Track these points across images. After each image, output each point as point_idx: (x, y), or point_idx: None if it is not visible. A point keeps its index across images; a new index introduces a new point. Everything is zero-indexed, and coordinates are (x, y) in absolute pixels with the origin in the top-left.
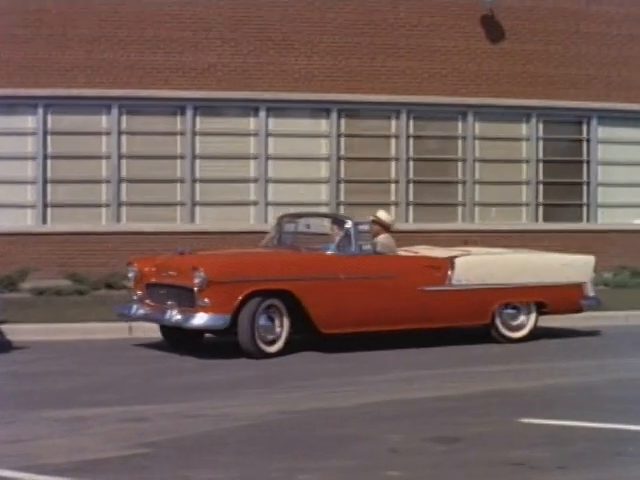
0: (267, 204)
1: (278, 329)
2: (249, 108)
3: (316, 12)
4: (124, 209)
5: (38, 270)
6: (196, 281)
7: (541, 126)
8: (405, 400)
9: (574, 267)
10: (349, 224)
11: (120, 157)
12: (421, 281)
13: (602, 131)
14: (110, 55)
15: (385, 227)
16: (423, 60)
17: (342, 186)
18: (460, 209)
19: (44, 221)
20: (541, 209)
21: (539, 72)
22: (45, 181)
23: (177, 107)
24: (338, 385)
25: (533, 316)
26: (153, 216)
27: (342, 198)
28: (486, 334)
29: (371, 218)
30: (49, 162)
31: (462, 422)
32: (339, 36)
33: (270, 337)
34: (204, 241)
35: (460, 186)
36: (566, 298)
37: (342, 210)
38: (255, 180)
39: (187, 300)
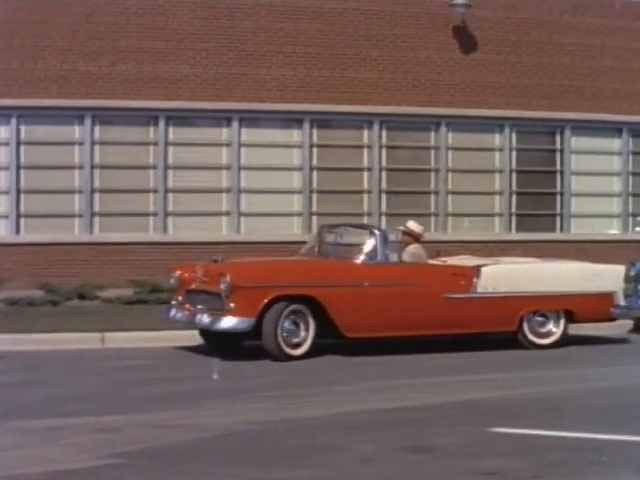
0: (240, 214)
1: (303, 333)
2: (222, 118)
3: (288, 23)
4: (97, 219)
5: (11, 280)
6: (222, 287)
7: (514, 136)
8: (378, 410)
9: (604, 276)
10: (376, 233)
11: (93, 167)
12: (446, 289)
13: (575, 141)
14: (83, 65)
15: (415, 237)
16: (396, 71)
17: (315, 196)
18: (433, 219)
19: (17, 231)
20: (514, 219)
21: (512, 82)
22: (18, 191)
23: (150, 117)
24: (308, 395)
25: (562, 324)
26: (126, 226)
27: (315, 208)
28: (514, 341)
29: (401, 228)
30: (22, 172)
31: (432, 432)
32: (312, 47)
33: (295, 341)
34: (176, 251)
35: (433, 196)
36: (596, 307)
37: (314, 220)
38: (228, 190)
39: (216, 304)
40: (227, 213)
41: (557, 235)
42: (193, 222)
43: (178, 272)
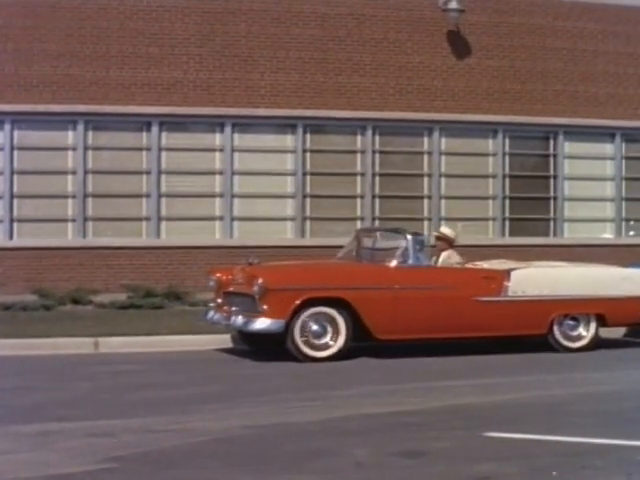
0: (232, 219)
1: (332, 335)
2: (215, 124)
3: (281, 28)
4: (90, 224)
5: (4, 285)
6: (255, 289)
7: (507, 141)
8: (373, 414)
9: (635, 280)
10: (408, 237)
11: (86, 172)
12: (476, 292)
13: (569, 146)
14: (76, 71)
15: (449, 242)
16: (389, 76)
17: (308, 201)
18: (426, 224)
19: (10, 236)
20: (508, 224)
21: (505, 88)
22: (12, 196)
23: (143, 123)
24: (304, 399)
25: (593, 327)
26: (119, 231)
27: (308, 213)
28: (545, 343)
29: (435, 234)
30: (15, 177)
31: (427, 437)
32: (305, 52)
33: (321, 343)
34: (169, 256)
35: (426, 201)
36: (626, 311)
37: (307, 225)
38: (221, 195)
39: (250, 306)
40: (220, 218)
41: (550, 240)
42: (186, 227)
43: (217, 274)
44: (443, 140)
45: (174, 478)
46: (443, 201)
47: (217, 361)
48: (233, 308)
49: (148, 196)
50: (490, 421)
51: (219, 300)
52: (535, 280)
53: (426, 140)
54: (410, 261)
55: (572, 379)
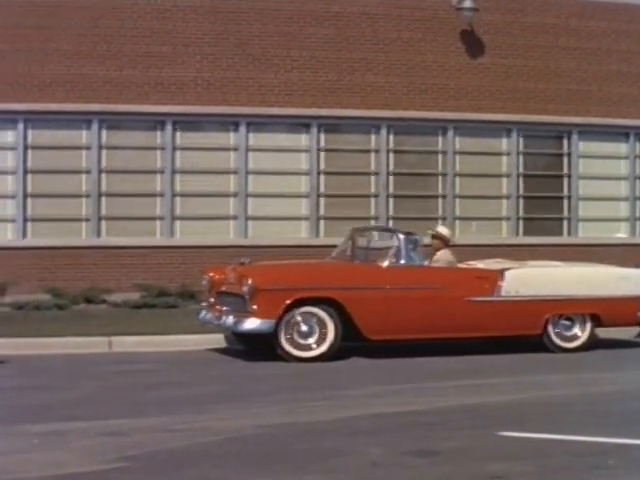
0: (247, 218)
1: (322, 335)
2: (229, 123)
3: (295, 27)
4: (104, 223)
5: (17, 284)
6: (244, 289)
7: (521, 141)
8: (384, 414)
9: (631, 280)
10: (400, 237)
11: (100, 171)
12: (469, 292)
13: (582, 145)
14: (89, 70)
15: (445, 241)
16: (402, 75)
17: (322, 200)
18: (440, 223)
19: (24, 235)
20: (522, 223)
21: (519, 87)
22: (25, 195)
23: (157, 122)
24: (316, 399)
25: (588, 327)
26: (133, 230)
27: (322, 212)
28: (539, 344)
29: (431, 233)
30: (29, 176)
31: (439, 436)
32: (318, 51)
33: (310, 343)
34: (183, 256)
35: (440, 200)
36: (622, 311)
37: (322, 224)
38: (235, 194)
39: (241, 306)
40: (234, 217)
41: (564, 239)
42: (200, 226)
43: (210, 274)
44: (457, 139)
45: (187, 477)
46: (457, 200)
47: (226, 361)
48: (224, 308)
49: (162, 195)
50: (500, 420)
51: (212, 300)
52: (529, 280)
53: (440, 139)
54: (402, 261)
55: (576, 379)
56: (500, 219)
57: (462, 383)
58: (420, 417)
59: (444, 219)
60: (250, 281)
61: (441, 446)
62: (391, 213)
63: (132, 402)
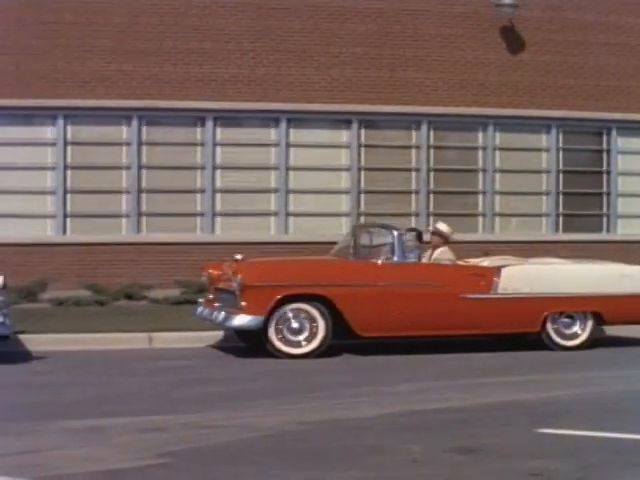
0: (287, 214)
1: (311, 332)
2: (269, 119)
3: (335, 23)
4: (144, 219)
5: (57, 281)
6: (234, 285)
7: (561, 137)
8: (423, 411)
9: (635, 278)
10: (394, 233)
11: (140, 168)
12: (465, 289)
13: (622, 142)
14: (129, 66)
15: (444, 238)
16: (443, 71)
17: (363, 196)
18: (480, 219)
19: (64, 231)
20: (561, 220)
21: (559, 83)
22: (65, 191)
23: (197, 118)
24: (356, 395)
25: (589, 326)
26: (173, 227)
27: (363, 208)
28: (539, 342)
29: (431, 229)
30: (69, 172)
31: (478, 433)
32: (359, 47)
33: (300, 340)
34: (223, 252)
35: (480, 196)
36: (625, 309)
37: (362, 220)
38: (276, 190)
39: (232, 303)
40: (275, 213)
41: (604, 236)
42: (241, 222)
43: (209, 270)
44: (497, 135)
45: (227, 474)
46: (497, 196)
47: (265, 357)
48: (216, 304)
49: (202, 192)
50: (538, 417)
51: (210, 296)
52: (526, 277)
53: (480, 135)
54: (396, 258)
55: (602, 377)
56: (540, 215)
57: (489, 380)
58: (458, 414)
59: (484, 215)
60: (239, 277)
61: (481, 443)
62: (431, 209)
63: (172, 398)
